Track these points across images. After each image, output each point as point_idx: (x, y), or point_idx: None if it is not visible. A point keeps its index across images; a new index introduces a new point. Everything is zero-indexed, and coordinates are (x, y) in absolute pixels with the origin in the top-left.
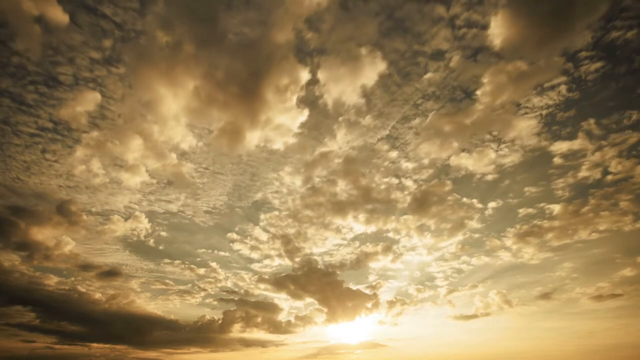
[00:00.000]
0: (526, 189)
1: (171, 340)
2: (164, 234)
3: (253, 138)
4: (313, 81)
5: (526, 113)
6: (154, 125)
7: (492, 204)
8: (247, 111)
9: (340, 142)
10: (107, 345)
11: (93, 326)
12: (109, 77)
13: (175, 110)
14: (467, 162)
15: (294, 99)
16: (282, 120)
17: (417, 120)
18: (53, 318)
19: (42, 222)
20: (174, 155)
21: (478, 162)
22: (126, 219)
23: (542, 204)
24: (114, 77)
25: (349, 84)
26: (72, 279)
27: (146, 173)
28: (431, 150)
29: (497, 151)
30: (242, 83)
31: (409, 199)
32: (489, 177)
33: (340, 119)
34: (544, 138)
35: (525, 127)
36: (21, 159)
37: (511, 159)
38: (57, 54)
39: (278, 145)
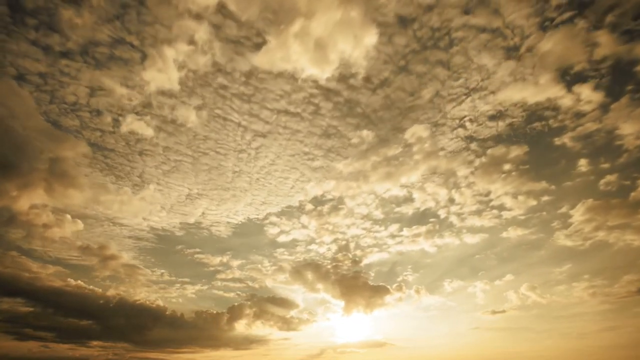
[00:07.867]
0: (635, 143)
1: (174, 339)
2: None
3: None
4: None
5: None
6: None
7: (575, 171)
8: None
9: (409, 85)
10: (107, 344)
11: (93, 322)
12: None
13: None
14: (564, 101)
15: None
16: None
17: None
18: (49, 313)
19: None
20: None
21: (580, 102)
22: (135, 193)
23: (629, 171)
24: None
25: None
26: (70, 270)
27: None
28: (519, 92)
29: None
30: None
31: (476, 162)
32: (582, 128)
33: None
34: None
35: None
36: None
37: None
38: None
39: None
